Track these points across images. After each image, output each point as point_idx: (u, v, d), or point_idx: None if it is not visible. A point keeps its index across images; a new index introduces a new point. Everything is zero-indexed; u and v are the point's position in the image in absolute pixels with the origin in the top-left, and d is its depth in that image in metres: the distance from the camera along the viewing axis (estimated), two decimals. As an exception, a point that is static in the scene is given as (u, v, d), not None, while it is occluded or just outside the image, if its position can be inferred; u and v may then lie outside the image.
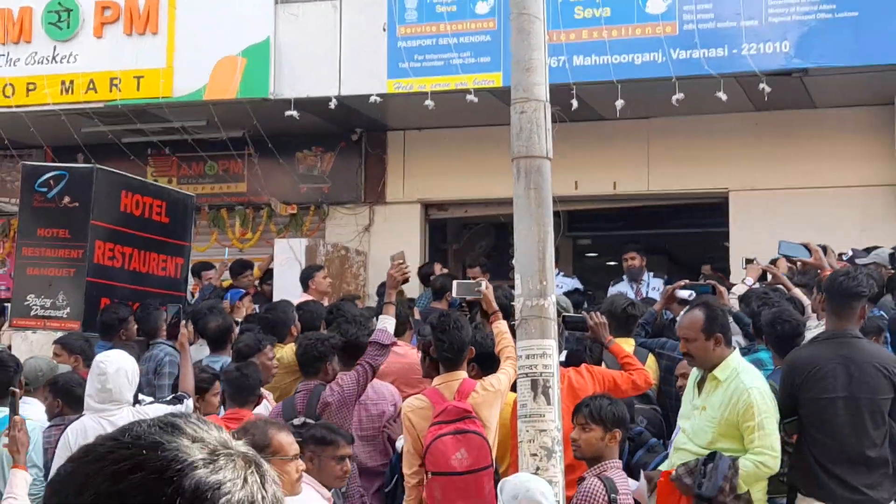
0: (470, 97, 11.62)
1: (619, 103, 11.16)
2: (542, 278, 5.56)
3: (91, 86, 12.80)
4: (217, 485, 1.37)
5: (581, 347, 7.14)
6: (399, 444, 6.89)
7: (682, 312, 7.48)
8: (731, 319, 8.17)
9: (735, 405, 5.93)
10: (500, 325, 6.74)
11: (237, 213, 14.66)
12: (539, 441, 5.42)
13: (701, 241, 14.97)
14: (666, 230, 15.42)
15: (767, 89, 10.96)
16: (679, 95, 11.03)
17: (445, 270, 12.12)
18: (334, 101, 12.18)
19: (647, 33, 11.32)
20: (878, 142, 12.41)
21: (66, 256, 9.52)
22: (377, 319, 7.33)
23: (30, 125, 13.16)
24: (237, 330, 8.74)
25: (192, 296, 12.00)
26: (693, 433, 6.11)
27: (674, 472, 6.04)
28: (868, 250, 10.13)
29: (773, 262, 9.69)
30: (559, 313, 6.31)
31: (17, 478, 5.61)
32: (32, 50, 13.04)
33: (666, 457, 6.52)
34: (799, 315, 7.41)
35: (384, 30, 12.12)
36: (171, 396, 7.13)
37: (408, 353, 7.94)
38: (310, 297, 10.22)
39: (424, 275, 12.24)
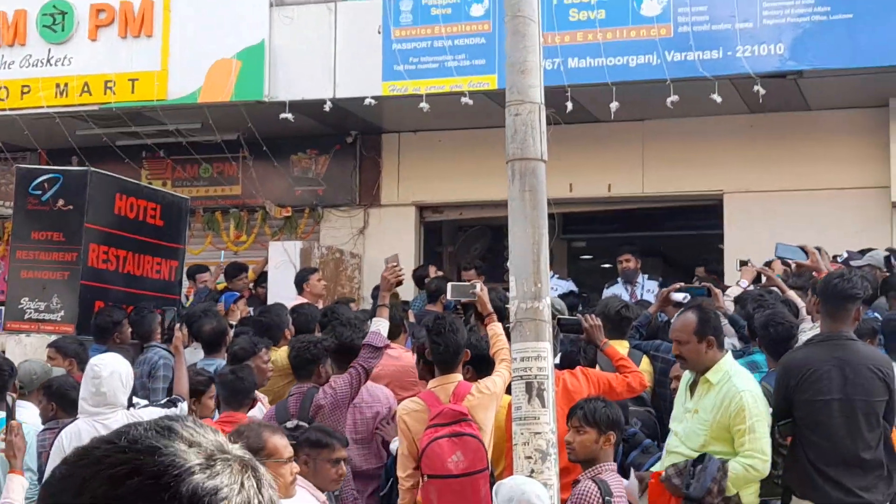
0: (465, 99, 11.63)
1: (614, 105, 11.17)
2: (536, 280, 5.55)
3: (85, 88, 12.80)
4: (214, 490, 1.37)
5: (575, 349, 7.13)
6: (393, 446, 6.88)
7: (675, 315, 7.47)
8: (725, 322, 8.18)
9: (727, 408, 5.93)
10: (495, 328, 6.74)
11: (232, 215, 14.65)
12: (534, 444, 5.41)
13: (696, 243, 14.98)
14: (661, 232, 15.43)
15: (762, 91, 10.98)
16: (674, 98, 11.05)
17: (440, 273, 12.11)
18: (329, 103, 12.18)
19: (642, 35, 11.33)
20: (872, 144, 12.43)
21: (61, 259, 9.51)
22: (372, 322, 7.32)
23: (24, 128, 13.15)
24: (232, 333, 8.73)
25: (187, 298, 11.98)
26: (685, 436, 6.11)
27: (663, 473, 6.04)
28: (863, 252, 10.14)
29: (768, 263, 9.69)
30: (554, 316, 6.30)
31: (13, 483, 5.59)
32: (27, 52, 13.03)
33: (660, 458, 6.52)
34: (792, 317, 7.41)
35: (379, 32, 12.12)
36: (165, 399, 7.12)
37: (402, 356, 7.93)
38: (304, 300, 10.21)
39: (419, 277, 12.23)
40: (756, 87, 10.98)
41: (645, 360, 7.77)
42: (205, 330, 8.56)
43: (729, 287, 9.60)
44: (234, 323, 9.54)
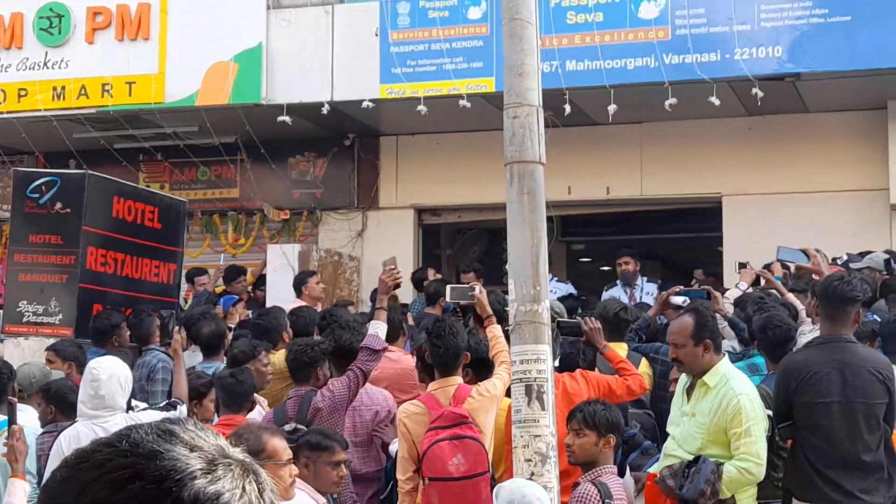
0: (462, 102, 11.63)
1: (612, 108, 11.17)
2: (535, 283, 5.55)
3: (83, 91, 12.79)
4: (216, 495, 1.37)
5: (574, 351, 7.13)
6: (392, 448, 6.87)
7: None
8: (725, 324, 8.19)
9: (724, 411, 5.93)
10: (495, 330, 6.73)
11: (230, 218, 14.64)
12: (533, 446, 5.40)
13: (694, 245, 15.00)
14: (659, 235, 15.43)
15: (760, 94, 10.98)
16: (672, 100, 11.05)
17: (439, 276, 12.10)
18: (327, 106, 12.18)
19: (640, 38, 11.33)
20: (870, 146, 12.43)
21: (58, 262, 9.49)
22: (370, 325, 7.31)
23: (21, 131, 13.15)
24: (230, 336, 8.72)
25: (186, 301, 11.98)
26: (682, 439, 6.11)
27: (658, 475, 6.05)
28: (862, 255, 10.14)
29: (767, 266, 9.69)
30: (553, 318, 6.30)
31: (15, 487, 5.59)
32: (24, 55, 13.02)
33: (659, 460, 6.51)
34: (790, 320, 7.40)
35: (377, 35, 12.13)
36: (164, 402, 7.11)
37: (401, 359, 7.93)
38: (303, 303, 10.20)
39: (418, 280, 12.22)
40: (754, 90, 10.98)
41: (644, 363, 7.77)
42: (203, 333, 8.55)
43: (728, 290, 9.60)
44: (232, 326, 9.54)
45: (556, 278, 11.77)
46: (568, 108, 11.18)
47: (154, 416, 6.28)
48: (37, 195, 9.55)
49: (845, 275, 6.60)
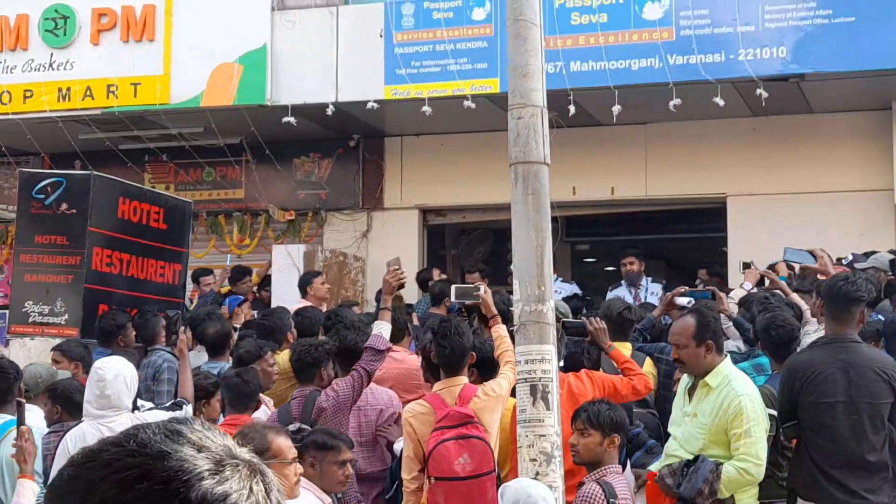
0: (467, 103, 11.63)
1: (617, 109, 11.17)
2: (540, 283, 5.56)
3: (88, 93, 12.80)
4: (223, 496, 1.37)
5: (579, 350, 7.13)
6: (397, 447, 6.88)
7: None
8: (730, 324, 8.19)
9: (726, 411, 5.93)
10: (500, 329, 6.74)
11: (235, 219, 14.66)
12: (538, 446, 5.41)
13: (699, 245, 14.98)
14: (664, 235, 15.43)
15: (765, 94, 10.97)
16: (676, 101, 11.05)
17: (444, 276, 12.11)
18: (331, 107, 12.19)
19: (644, 39, 11.33)
20: (875, 146, 12.43)
21: (64, 263, 9.50)
22: (374, 325, 7.32)
23: (27, 132, 13.17)
24: (235, 336, 8.74)
25: (191, 302, 11.99)
26: (684, 440, 6.12)
27: (657, 473, 6.06)
28: (867, 255, 10.14)
29: (772, 266, 9.69)
30: (558, 319, 6.30)
31: (24, 488, 5.61)
32: (29, 57, 13.04)
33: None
34: (794, 320, 7.40)
35: (381, 36, 12.13)
36: (170, 402, 7.12)
37: (406, 359, 7.94)
38: (308, 303, 10.22)
39: (423, 280, 12.23)
40: (758, 91, 10.98)
41: (648, 362, 7.77)
42: (208, 333, 8.57)
43: (733, 290, 9.60)
44: (237, 326, 9.55)
45: (560, 279, 11.78)
46: (572, 108, 11.19)
47: (160, 415, 6.30)
48: (42, 196, 9.57)
49: (850, 275, 6.61)
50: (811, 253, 9.35)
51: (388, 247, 13.17)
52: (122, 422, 6.14)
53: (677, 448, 6.13)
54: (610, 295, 11.16)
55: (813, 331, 7.68)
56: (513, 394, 6.04)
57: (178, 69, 12.63)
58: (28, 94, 12.98)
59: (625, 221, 15.06)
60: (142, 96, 12.68)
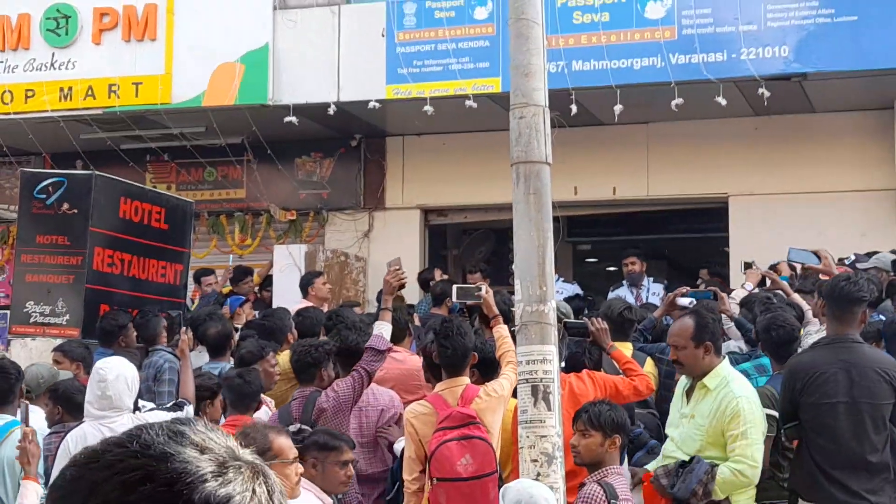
0: (469, 102, 11.63)
1: (619, 108, 11.17)
2: (541, 283, 5.55)
3: (89, 92, 12.81)
4: (227, 498, 1.37)
5: (580, 350, 7.13)
6: (397, 447, 6.88)
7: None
8: (732, 325, 8.18)
9: (723, 413, 5.94)
10: (501, 330, 6.73)
11: (236, 219, 14.66)
12: (539, 447, 5.40)
13: (701, 245, 14.99)
14: (666, 235, 15.43)
15: (767, 94, 10.97)
16: (678, 100, 11.04)
17: (445, 276, 12.11)
18: (333, 106, 12.19)
19: (646, 38, 11.33)
20: (877, 146, 12.42)
21: (65, 263, 9.50)
22: (374, 325, 7.32)
23: (28, 132, 13.17)
24: (237, 336, 8.73)
25: (193, 302, 11.99)
26: (681, 441, 6.12)
27: (653, 474, 6.06)
28: (870, 255, 10.13)
29: (773, 266, 9.69)
30: (560, 319, 6.30)
31: (28, 489, 5.61)
32: (31, 57, 13.04)
33: (661, 460, 6.52)
34: (794, 320, 7.39)
35: (383, 35, 12.13)
36: (171, 403, 7.12)
37: (407, 360, 7.93)
38: (309, 304, 10.22)
39: (424, 280, 12.23)
40: (760, 90, 10.98)
41: (650, 363, 7.76)
42: (210, 333, 8.56)
43: (734, 290, 9.60)
44: (239, 326, 9.55)
45: (562, 279, 11.77)
46: (574, 108, 11.18)
47: (161, 416, 6.29)
48: (44, 196, 9.56)
49: (852, 275, 6.60)
50: (815, 253, 9.34)
51: (389, 247, 13.16)
52: (123, 422, 6.13)
53: (674, 449, 6.13)
54: (611, 295, 11.16)
55: (814, 331, 7.68)
56: (514, 394, 6.03)
57: (179, 69, 12.63)
58: (30, 93, 12.98)
59: (626, 221, 15.06)
60: (143, 96, 12.68)
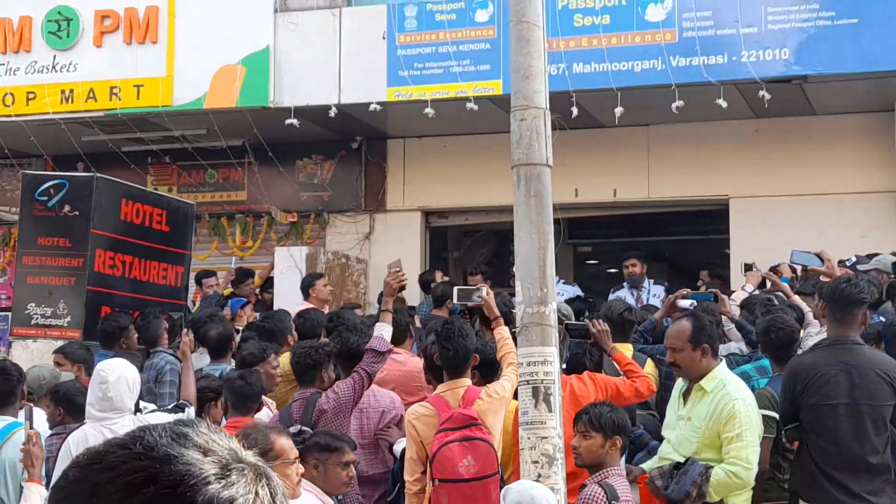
0: (470, 105, 11.64)
1: (619, 111, 11.18)
2: (542, 285, 5.56)
3: (91, 95, 12.82)
4: (230, 500, 1.37)
5: (581, 351, 7.13)
6: (397, 447, 6.88)
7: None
8: (733, 326, 8.19)
9: (719, 415, 5.94)
10: (502, 331, 6.73)
11: (237, 221, 14.67)
12: (540, 448, 5.41)
13: (701, 247, 14.99)
14: (666, 237, 15.43)
15: (767, 96, 10.98)
16: (679, 103, 11.05)
17: (446, 278, 12.11)
18: (334, 109, 12.20)
19: (647, 41, 11.34)
20: (878, 148, 12.42)
21: (67, 265, 9.51)
22: (375, 327, 7.32)
23: (30, 134, 13.18)
24: (237, 338, 8.74)
25: (194, 304, 12.00)
26: (678, 443, 6.12)
27: (649, 475, 6.07)
28: (870, 256, 10.13)
29: (774, 268, 9.69)
30: (561, 321, 6.30)
31: (31, 492, 5.61)
32: (32, 59, 13.06)
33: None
34: (794, 322, 7.40)
35: (384, 38, 12.14)
36: (172, 405, 7.12)
37: (407, 361, 7.93)
38: (310, 305, 10.22)
39: (425, 282, 12.23)
40: (761, 92, 10.98)
41: (650, 364, 7.76)
42: (210, 335, 8.57)
43: (734, 292, 9.60)
44: (240, 328, 9.55)
45: (563, 280, 11.77)
46: (575, 110, 11.19)
47: (162, 418, 6.30)
48: (45, 198, 9.58)
49: (853, 277, 6.61)
50: (818, 255, 9.35)
51: (390, 249, 13.17)
52: (124, 424, 6.14)
53: (671, 451, 6.14)
54: (612, 297, 11.15)
55: (815, 333, 7.68)
56: (515, 396, 6.04)
57: (180, 71, 12.64)
58: (31, 96, 12.99)
59: (627, 223, 15.07)
60: (145, 98, 12.70)
